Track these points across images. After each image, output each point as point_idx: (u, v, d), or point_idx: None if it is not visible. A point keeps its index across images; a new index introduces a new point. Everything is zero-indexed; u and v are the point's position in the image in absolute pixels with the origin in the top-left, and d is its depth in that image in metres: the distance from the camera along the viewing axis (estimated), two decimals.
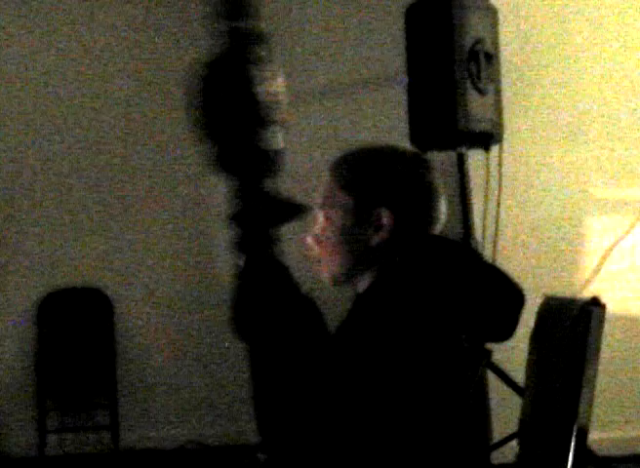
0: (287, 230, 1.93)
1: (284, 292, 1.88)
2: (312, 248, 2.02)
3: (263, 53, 1.84)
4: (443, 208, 1.99)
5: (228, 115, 1.81)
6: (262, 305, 1.86)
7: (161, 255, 4.71)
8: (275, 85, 1.85)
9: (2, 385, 4.54)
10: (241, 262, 1.90)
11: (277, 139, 1.87)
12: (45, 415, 4.56)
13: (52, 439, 4.60)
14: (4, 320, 4.61)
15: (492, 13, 3.92)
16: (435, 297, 1.85)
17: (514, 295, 1.94)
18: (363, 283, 1.98)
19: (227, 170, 1.87)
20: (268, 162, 1.86)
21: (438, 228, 1.99)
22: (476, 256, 2.00)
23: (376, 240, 1.95)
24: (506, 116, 3.96)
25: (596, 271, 4.37)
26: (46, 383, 4.55)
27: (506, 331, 1.95)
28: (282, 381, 1.85)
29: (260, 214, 1.87)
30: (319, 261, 2.01)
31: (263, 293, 1.87)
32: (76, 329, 4.58)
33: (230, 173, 1.87)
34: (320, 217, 1.99)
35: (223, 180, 1.88)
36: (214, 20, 1.84)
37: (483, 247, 4.08)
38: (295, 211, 1.90)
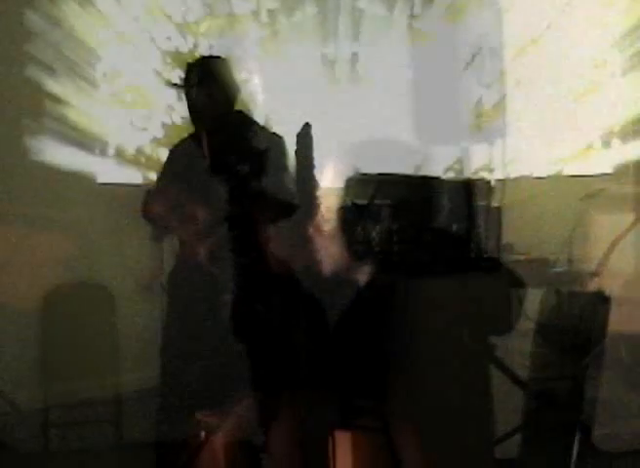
0: (288, 225, 1.94)
1: (286, 290, 1.89)
2: (314, 241, 2.03)
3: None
4: (443, 203, 2.01)
5: (212, 123, 1.84)
6: (265, 303, 1.87)
7: (164, 252, 4.71)
8: (253, 86, 1.90)
9: (5, 380, 4.55)
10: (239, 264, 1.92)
11: (260, 141, 1.91)
12: (48, 410, 4.56)
13: (55, 433, 4.60)
14: (8, 314, 4.61)
15: (495, 8, 3.93)
16: (435, 292, 1.85)
17: (514, 289, 1.95)
18: (363, 276, 1.98)
19: (216, 173, 1.90)
20: (254, 163, 1.89)
21: (436, 223, 2.00)
22: (475, 250, 2.01)
23: (377, 233, 1.96)
24: (509, 111, 3.96)
25: (600, 266, 4.37)
26: (49, 377, 4.55)
27: (506, 325, 1.96)
28: (284, 377, 1.86)
29: (251, 215, 1.89)
30: (320, 254, 2.02)
31: (265, 292, 1.88)
32: (80, 323, 4.58)
33: (219, 175, 1.90)
34: (322, 211, 2.00)
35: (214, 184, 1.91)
36: None
37: (486, 242, 4.08)
38: (284, 210, 1.92)
